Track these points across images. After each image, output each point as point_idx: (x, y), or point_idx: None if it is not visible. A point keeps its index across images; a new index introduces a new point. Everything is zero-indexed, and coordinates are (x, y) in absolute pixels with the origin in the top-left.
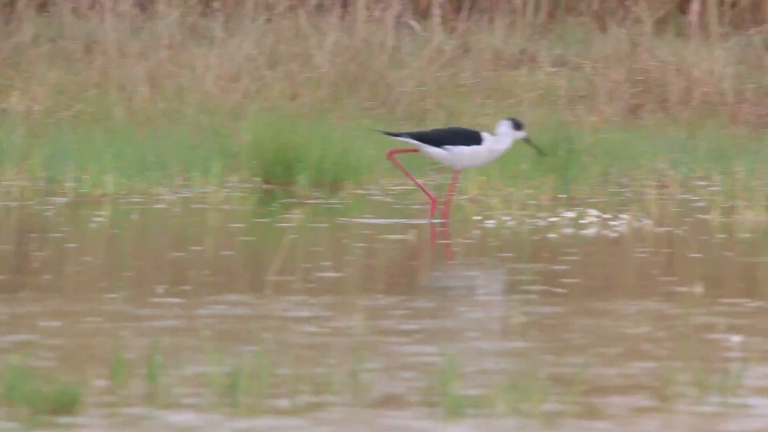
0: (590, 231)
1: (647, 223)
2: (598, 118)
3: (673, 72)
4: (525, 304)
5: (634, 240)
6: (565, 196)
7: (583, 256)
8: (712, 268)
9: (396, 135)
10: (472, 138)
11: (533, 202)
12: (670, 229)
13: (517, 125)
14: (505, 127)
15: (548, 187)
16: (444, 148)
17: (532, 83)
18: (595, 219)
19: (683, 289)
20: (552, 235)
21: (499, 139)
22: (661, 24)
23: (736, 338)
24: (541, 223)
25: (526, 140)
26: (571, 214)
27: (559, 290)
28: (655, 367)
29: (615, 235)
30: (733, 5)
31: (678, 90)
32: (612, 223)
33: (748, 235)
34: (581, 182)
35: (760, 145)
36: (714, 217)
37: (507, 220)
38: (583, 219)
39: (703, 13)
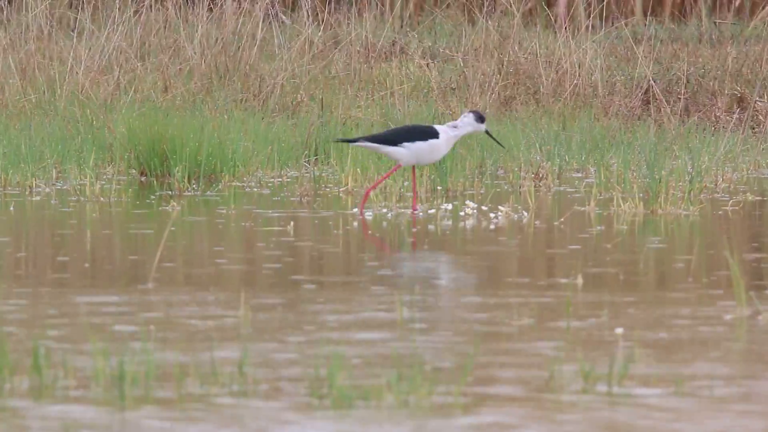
0: (468, 222)
1: (525, 215)
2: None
3: (544, 64)
4: (409, 296)
5: (513, 232)
6: (441, 188)
7: (462, 248)
8: (591, 259)
9: (352, 141)
10: (428, 133)
11: (411, 194)
12: (548, 221)
13: (480, 118)
14: (468, 119)
15: (426, 179)
16: (402, 146)
17: (404, 75)
18: (472, 211)
19: (564, 280)
20: (431, 227)
21: (456, 125)
22: (529, 16)
23: (618, 330)
24: (420, 215)
25: (488, 133)
26: (449, 206)
27: (441, 282)
28: (540, 358)
29: (493, 226)
30: None
31: (549, 82)
32: (490, 215)
33: (624, 227)
34: (458, 174)
35: (632, 137)
36: (591, 208)
37: (385, 213)
38: (461, 210)
39: (570, 5)
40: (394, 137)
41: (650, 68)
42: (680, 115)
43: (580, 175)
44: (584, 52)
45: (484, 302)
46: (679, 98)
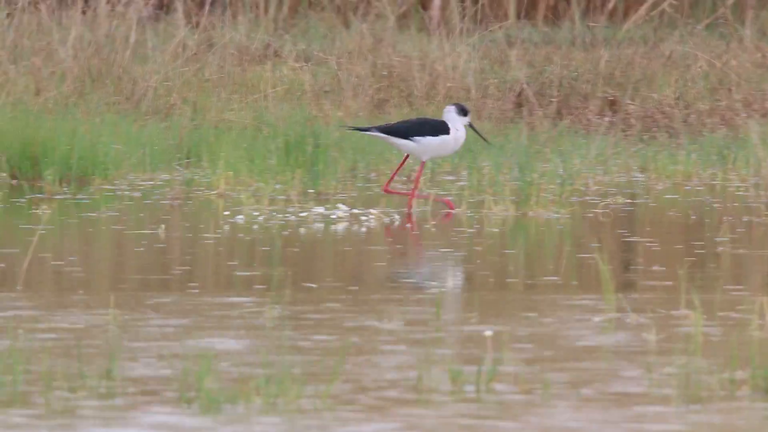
0: (340, 226)
1: (397, 217)
2: (344, 113)
3: (417, 67)
4: (279, 298)
5: (385, 235)
6: (313, 191)
7: (333, 250)
8: (462, 261)
9: (364, 130)
10: (438, 129)
11: (282, 197)
12: (419, 223)
13: (462, 110)
14: (451, 113)
15: (297, 182)
16: (412, 140)
17: (277, 78)
18: (344, 214)
19: (434, 282)
20: (302, 230)
21: (453, 126)
22: (403, 19)
23: (488, 332)
24: (291, 218)
25: (471, 126)
26: (320, 209)
27: (311, 285)
28: (409, 360)
29: (365, 230)
30: (475, 1)
31: (423, 85)
32: (362, 218)
33: (495, 229)
34: (329, 177)
35: (504, 140)
36: (463, 211)
37: (257, 216)
38: (332, 214)
39: (444, 8)
40: (406, 129)
41: (523, 71)
42: (552, 118)
43: (452, 177)
44: (458, 55)
45: (355, 305)
46: (552, 101)
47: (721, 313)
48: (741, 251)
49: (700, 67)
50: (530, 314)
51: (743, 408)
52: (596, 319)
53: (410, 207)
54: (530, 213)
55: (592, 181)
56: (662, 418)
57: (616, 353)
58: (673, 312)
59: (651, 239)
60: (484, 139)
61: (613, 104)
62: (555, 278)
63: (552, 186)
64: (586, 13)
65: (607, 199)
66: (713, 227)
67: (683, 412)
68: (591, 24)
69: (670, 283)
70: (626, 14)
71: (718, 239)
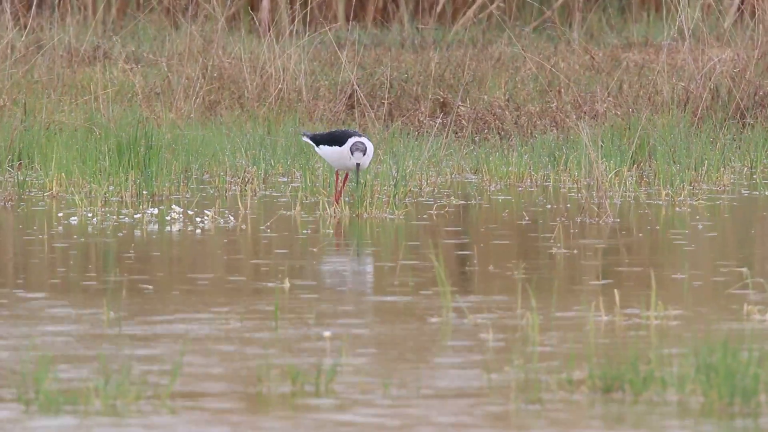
0: (175, 227)
1: (232, 219)
2: (176, 115)
3: (248, 69)
4: (115, 300)
5: (220, 236)
6: (147, 192)
7: (168, 252)
8: (298, 263)
9: (303, 135)
10: (338, 140)
11: (116, 198)
12: (255, 225)
13: (356, 149)
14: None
15: (130, 184)
16: (320, 148)
17: (108, 80)
18: (179, 215)
19: (271, 284)
20: (137, 232)
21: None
22: (233, 21)
23: (326, 333)
24: (125, 219)
25: (358, 166)
26: (155, 211)
27: (147, 287)
28: (249, 362)
29: (200, 231)
30: (304, 3)
31: (254, 87)
32: (197, 219)
33: (330, 231)
34: (163, 179)
35: None
36: (297, 213)
37: (90, 217)
38: (167, 215)
39: (273, 10)
40: (319, 138)
41: (354, 73)
42: (384, 120)
43: (285, 179)
44: (288, 57)
45: (193, 307)
46: (383, 103)
47: (557, 314)
48: (574, 252)
49: (530, 69)
50: (367, 315)
51: (581, 407)
52: (433, 320)
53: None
54: (364, 214)
55: (425, 182)
56: (501, 417)
57: (454, 354)
58: (510, 312)
59: (486, 240)
60: (357, 182)
61: (444, 106)
62: (391, 279)
63: (385, 187)
64: (414, 15)
65: (441, 200)
66: (547, 228)
67: (522, 412)
68: (420, 26)
69: (506, 284)
70: (455, 16)
71: (551, 240)
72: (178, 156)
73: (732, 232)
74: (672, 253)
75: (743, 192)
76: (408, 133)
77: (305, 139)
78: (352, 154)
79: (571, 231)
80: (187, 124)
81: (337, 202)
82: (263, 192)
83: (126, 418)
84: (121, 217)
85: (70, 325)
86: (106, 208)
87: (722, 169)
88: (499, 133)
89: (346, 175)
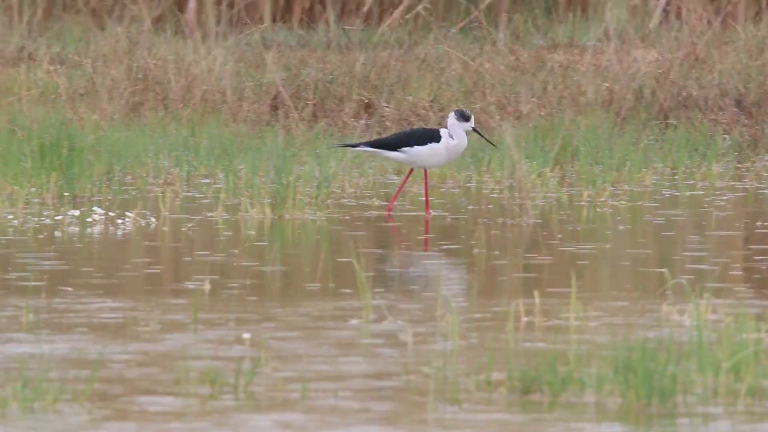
0: (96, 229)
1: (153, 221)
2: (100, 116)
3: (173, 70)
4: (34, 303)
5: (141, 238)
6: (69, 194)
7: (89, 253)
8: (219, 265)
9: (353, 146)
10: (427, 138)
11: (38, 200)
12: (177, 227)
13: (463, 116)
14: (452, 120)
15: (52, 185)
16: (401, 151)
17: (32, 81)
18: (100, 217)
19: (191, 286)
20: (58, 234)
21: (454, 133)
22: (159, 22)
23: (246, 335)
24: (47, 221)
25: (475, 130)
26: (76, 212)
27: (68, 289)
28: (168, 364)
29: (121, 233)
30: (231, 5)
31: (178, 88)
32: (118, 221)
33: (252, 232)
34: (85, 180)
35: (260, 143)
36: (219, 214)
37: (11, 219)
38: (88, 217)
39: (200, 12)
40: (395, 142)
41: (279, 74)
42: (308, 121)
43: (208, 180)
44: (214, 58)
45: (112, 308)
46: (308, 104)
47: (477, 315)
48: (496, 253)
49: (455, 69)
50: (288, 317)
51: (500, 409)
52: (354, 321)
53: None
54: (287, 216)
55: (348, 183)
56: (420, 419)
57: (373, 355)
58: (430, 314)
59: (402, 241)
60: (490, 143)
61: (368, 107)
62: (312, 281)
63: (308, 188)
64: (341, 16)
65: (364, 201)
66: (468, 229)
67: (440, 413)
68: (346, 27)
69: (427, 285)
70: (381, 17)
71: (473, 241)
72: (100, 157)
73: (653, 233)
74: (592, 255)
75: (665, 193)
76: (332, 134)
77: (364, 148)
78: (467, 120)
79: (493, 232)
80: (110, 125)
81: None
82: (186, 193)
83: (44, 421)
84: (42, 218)
85: None
86: (28, 210)
87: (644, 169)
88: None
89: (407, 177)
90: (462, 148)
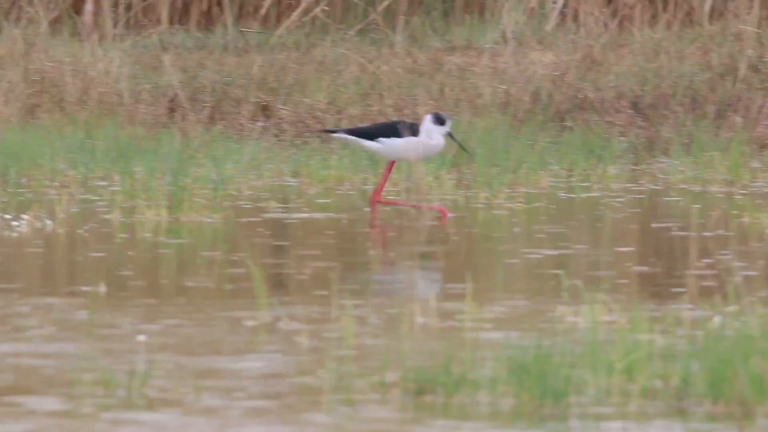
0: None
1: (49, 223)
2: None
3: (70, 72)
4: None
5: (37, 240)
6: None
7: None
8: (115, 267)
9: (332, 132)
10: (406, 130)
11: None
12: (73, 229)
13: (438, 119)
14: (427, 122)
15: None
16: (378, 141)
17: None
18: None
19: (87, 288)
20: None
21: (429, 135)
22: (56, 24)
23: (141, 337)
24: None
25: (450, 135)
26: None
27: None
28: (62, 366)
29: (17, 235)
30: (128, 7)
31: (75, 90)
32: (14, 223)
33: (149, 235)
34: None
35: (157, 145)
36: (115, 217)
37: None
38: None
39: (97, 14)
40: (373, 132)
41: (176, 76)
42: (205, 123)
43: (105, 183)
44: (110, 60)
45: (5, 311)
46: (205, 106)
47: (372, 317)
48: (392, 255)
49: (352, 72)
50: (183, 319)
51: (393, 410)
52: (249, 323)
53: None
54: (183, 218)
55: (245, 185)
56: (313, 420)
57: (268, 356)
58: (326, 316)
59: (303, 244)
60: (464, 148)
61: (266, 109)
62: (208, 283)
63: (205, 191)
64: (239, 18)
65: (260, 204)
66: (365, 231)
67: (335, 415)
68: (244, 29)
69: (322, 287)
70: (279, 20)
71: (369, 243)
72: None
73: (548, 234)
74: (488, 256)
75: (561, 195)
76: (229, 137)
77: (341, 135)
78: (442, 124)
79: (389, 234)
80: (6, 127)
81: (377, 202)
82: (82, 196)
83: None
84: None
85: None
86: None
87: (541, 171)
88: (319, 137)
89: (390, 168)
90: (438, 149)
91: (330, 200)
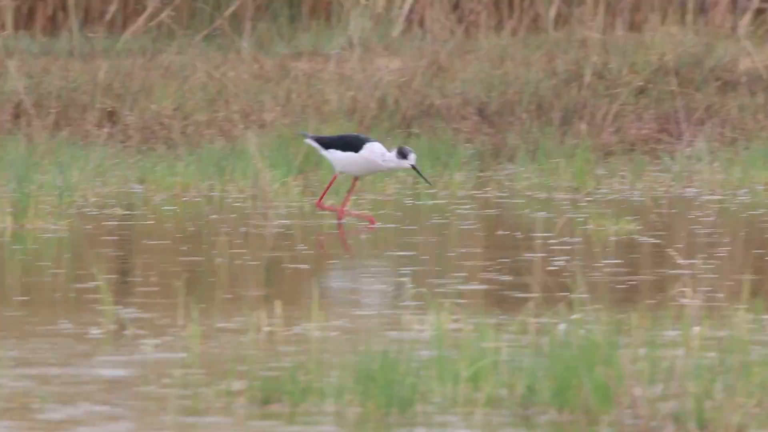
0: None
1: None
2: None
3: None
4: None
5: None
6: None
7: None
8: None
9: (304, 135)
10: (350, 145)
11: None
12: None
13: (402, 154)
14: (392, 156)
15: None
16: (329, 152)
17: None
18: None
19: None
20: None
21: (384, 157)
22: None
23: None
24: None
25: (414, 168)
26: None
27: None
28: None
29: None
30: None
31: None
32: None
33: None
34: None
35: (2, 151)
36: None
37: None
38: None
39: None
40: (328, 141)
41: (21, 82)
42: (51, 129)
43: None
44: None
45: None
46: (50, 112)
47: (219, 325)
48: (238, 262)
49: (199, 78)
50: (27, 327)
51: (240, 419)
52: (94, 331)
53: (340, 216)
54: (28, 225)
55: (90, 192)
56: (160, 429)
57: (113, 366)
58: (172, 323)
59: (150, 251)
60: (427, 181)
61: (112, 115)
62: (51, 291)
63: (50, 198)
64: (84, 23)
65: (106, 211)
66: (211, 238)
67: (180, 424)
68: (89, 34)
69: (168, 295)
70: (125, 25)
71: (215, 250)
72: None
73: (394, 241)
74: (334, 263)
75: (407, 202)
76: (74, 143)
77: (309, 141)
78: (405, 157)
79: (236, 241)
80: None
81: (319, 207)
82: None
83: None
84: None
85: None
86: None
87: (387, 178)
88: (166, 143)
89: (354, 182)
90: (386, 170)
91: (176, 207)
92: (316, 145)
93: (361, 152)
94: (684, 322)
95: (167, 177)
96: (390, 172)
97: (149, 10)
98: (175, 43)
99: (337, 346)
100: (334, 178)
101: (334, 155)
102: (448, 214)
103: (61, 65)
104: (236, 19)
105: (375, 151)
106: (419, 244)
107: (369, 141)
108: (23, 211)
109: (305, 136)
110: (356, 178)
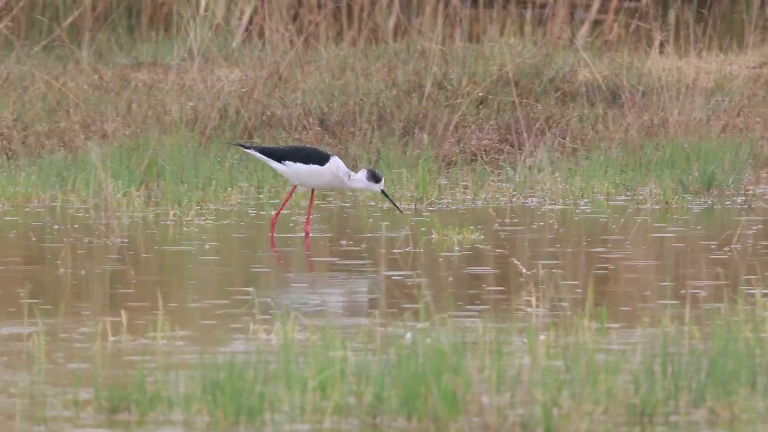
0: None
1: None
2: None
3: None
4: None
5: None
6: None
7: None
8: None
9: (246, 147)
10: (313, 157)
11: None
12: None
13: (374, 177)
14: (362, 177)
15: None
16: (283, 164)
17: None
18: None
19: None
20: None
21: (352, 176)
22: None
23: None
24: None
25: (383, 193)
26: None
27: None
28: None
29: None
30: None
31: None
32: None
33: None
34: None
35: None
36: None
37: None
38: None
39: None
40: (282, 153)
41: None
42: None
43: None
44: None
45: None
46: None
47: (64, 335)
48: (82, 272)
49: (38, 88)
50: None
51: (87, 428)
52: None
53: (273, 227)
54: None
55: None
56: None
57: None
58: (17, 334)
59: None
60: (398, 208)
61: None
62: None
63: None
64: None
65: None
66: (54, 249)
67: None
68: None
69: (12, 305)
70: None
71: (58, 261)
72: None
73: (238, 251)
74: (180, 273)
75: (250, 212)
76: None
77: (252, 152)
78: (377, 181)
79: (79, 252)
80: None
81: (275, 222)
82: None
83: None
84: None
85: None
86: None
87: (230, 189)
88: (6, 153)
89: (312, 195)
90: (348, 188)
91: (18, 218)
92: (261, 156)
93: (327, 166)
94: (530, 330)
95: (8, 187)
96: (352, 191)
97: None
98: (13, 53)
99: (183, 356)
100: (293, 189)
101: (295, 168)
102: (291, 224)
103: None
104: (75, 30)
105: (340, 167)
106: (260, 252)
107: (330, 155)
108: None
109: (244, 146)
110: (314, 191)
